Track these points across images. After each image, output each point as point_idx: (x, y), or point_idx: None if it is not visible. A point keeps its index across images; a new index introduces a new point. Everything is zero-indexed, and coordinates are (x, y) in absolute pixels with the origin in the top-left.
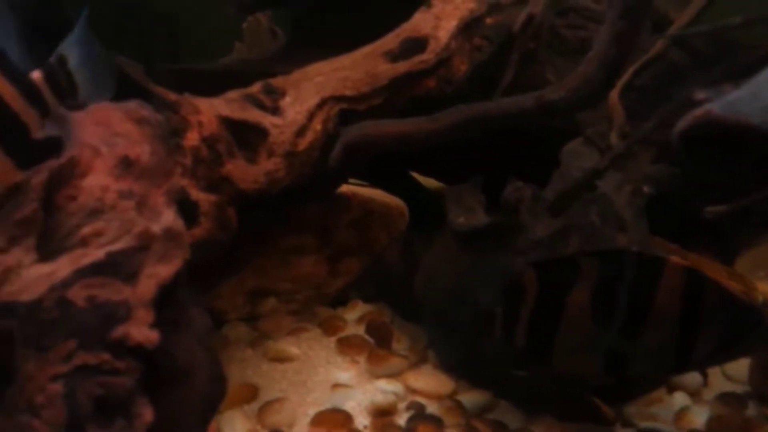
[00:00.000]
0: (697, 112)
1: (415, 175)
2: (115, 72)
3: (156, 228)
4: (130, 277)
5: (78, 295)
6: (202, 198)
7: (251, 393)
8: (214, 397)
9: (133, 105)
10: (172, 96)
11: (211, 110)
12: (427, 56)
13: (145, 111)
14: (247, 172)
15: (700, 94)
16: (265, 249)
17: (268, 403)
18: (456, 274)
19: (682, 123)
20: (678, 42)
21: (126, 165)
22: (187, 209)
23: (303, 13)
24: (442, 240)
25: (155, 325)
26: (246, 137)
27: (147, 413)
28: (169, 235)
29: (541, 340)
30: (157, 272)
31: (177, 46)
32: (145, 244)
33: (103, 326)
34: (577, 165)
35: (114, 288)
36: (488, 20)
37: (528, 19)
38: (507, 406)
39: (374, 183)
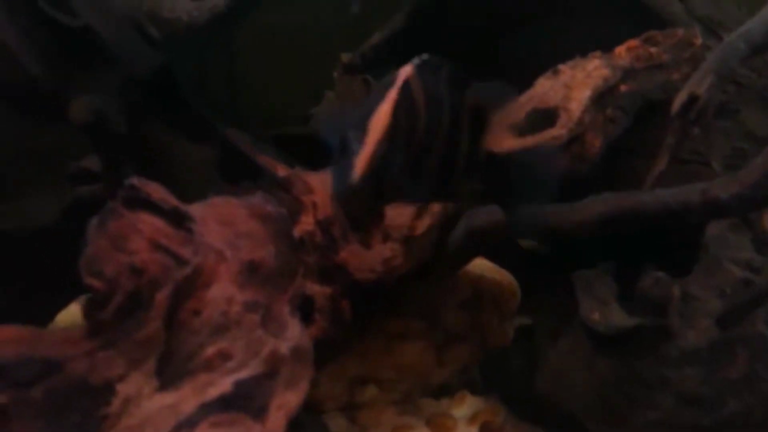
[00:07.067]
0: None
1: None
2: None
3: (284, 348)
4: (260, 411)
5: None
6: (317, 291)
7: None
8: None
9: (257, 199)
10: (281, 170)
11: (323, 187)
12: (559, 131)
13: (270, 206)
14: (364, 260)
15: None
16: (369, 333)
17: None
18: (592, 378)
19: None
20: None
21: (251, 270)
22: (301, 306)
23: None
24: (570, 334)
25: None
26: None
27: None
28: (297, 354)
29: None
30: (286, 401)
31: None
32: (273, 369)
33: None
34: (729, 256)
35: (243, 426)
36: (622, 88)
37: (690, 100)
38: None
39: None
